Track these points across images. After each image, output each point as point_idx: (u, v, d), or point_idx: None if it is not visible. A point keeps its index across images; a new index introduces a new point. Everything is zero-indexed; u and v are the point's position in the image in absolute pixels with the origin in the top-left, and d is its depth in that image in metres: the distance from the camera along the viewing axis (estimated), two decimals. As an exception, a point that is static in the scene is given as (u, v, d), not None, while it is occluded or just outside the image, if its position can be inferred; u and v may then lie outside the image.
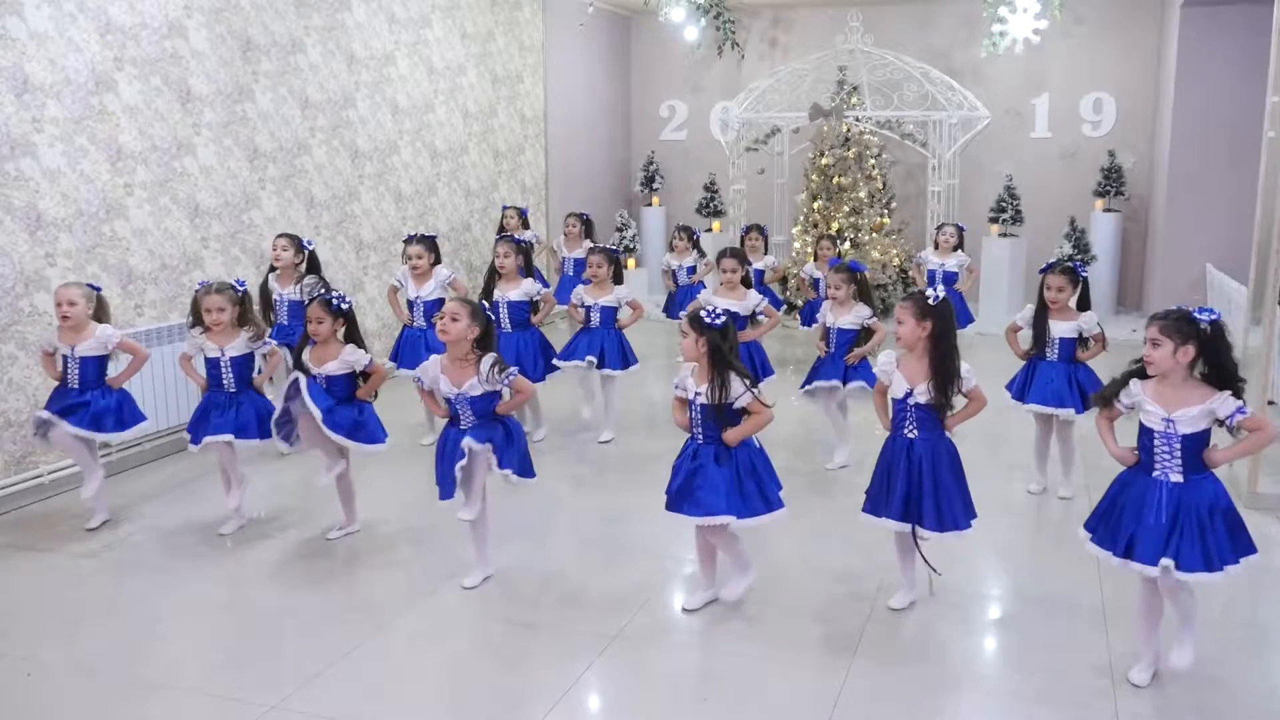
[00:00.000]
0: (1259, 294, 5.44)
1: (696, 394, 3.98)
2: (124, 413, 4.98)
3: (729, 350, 3.92)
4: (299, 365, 4.73)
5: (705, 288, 8.11)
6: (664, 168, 12.37)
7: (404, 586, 4.44)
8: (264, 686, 3.58)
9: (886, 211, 10.33)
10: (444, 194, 9.08)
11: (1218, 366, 3.41)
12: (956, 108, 9.87)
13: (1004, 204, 10.61)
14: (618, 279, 6.45)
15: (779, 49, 11.91)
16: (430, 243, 6.40)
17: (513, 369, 4.23)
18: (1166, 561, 3.34)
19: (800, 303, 8.94)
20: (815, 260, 8.15)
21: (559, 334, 6.72)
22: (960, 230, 8.41)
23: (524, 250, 6.53)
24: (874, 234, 10.17)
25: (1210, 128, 9.29)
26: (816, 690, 3.56)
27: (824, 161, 10.23)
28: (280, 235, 6.20)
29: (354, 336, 4.77)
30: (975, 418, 4.09)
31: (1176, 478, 3.42)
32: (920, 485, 3.92)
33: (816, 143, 10.41)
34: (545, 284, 6.61)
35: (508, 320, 6.26)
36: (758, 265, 8.30)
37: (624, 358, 6.40)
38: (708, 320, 3.89)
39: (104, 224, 5.81)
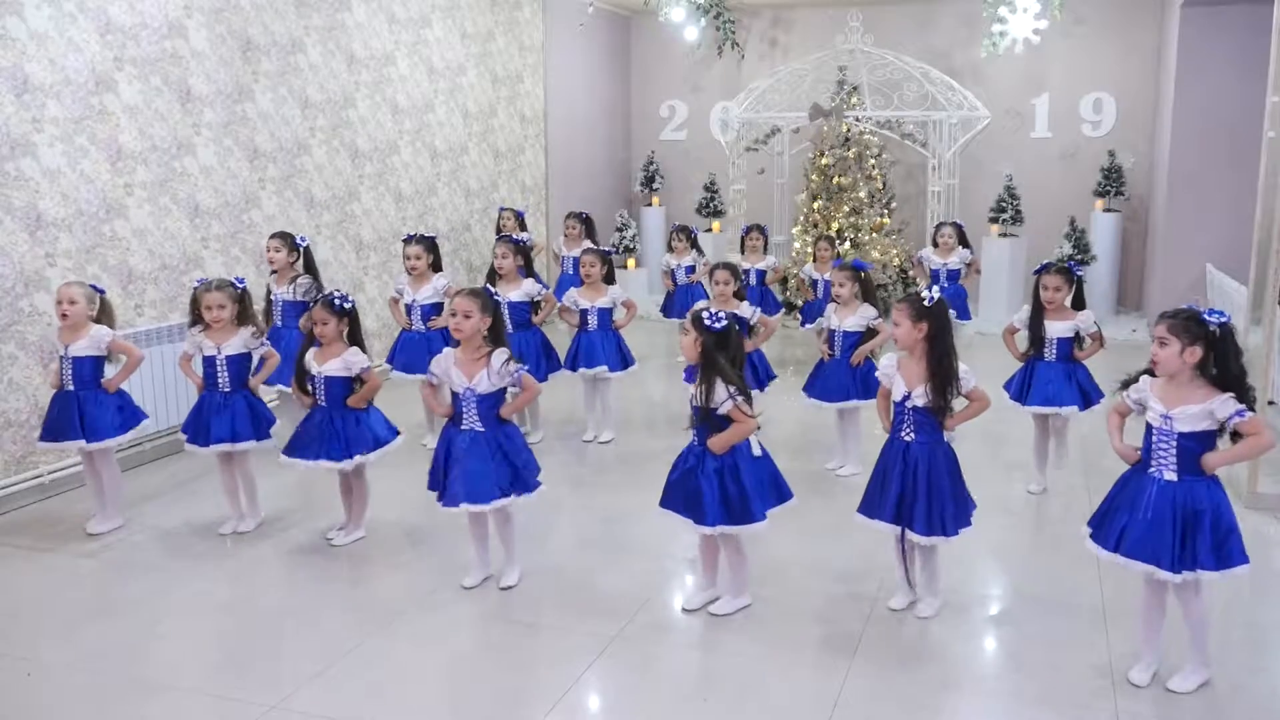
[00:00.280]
0: (1259, 294, 5.44)
1: (692, 395, 3.98)
2: (124, 414, 4.95)
3: (728, 356, 3.88)
4: (300, 368, 4.72)
5: (705, 291, 8.12)
6: (664, 168, 12.37)
7: (404, 586, 4.44)
8: (264, 686, 3.59)
9: (886, 211, 10.33)
10: (444, 194, 9.08)
11: (1224, 369, 3.39)
12: (956, 108, 9.88)
13: (1004, 204, 10.61)
14: (609, 279, 6.45)
15: (779, 49, 11.91)
16: (429, 243, 6.35)
17: (524, 365, 4.25)
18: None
19: (799, 303, 8.94)
20: (815, 261, 8.15)
21: (560, 334, 6.72)
22: (959, 228, 8.41)
23: (523, 250, 6.52)
24: (874, 234, 10.17)
25: (1210, 128, 9.29)
26: (816, 690, 3.56)
27: (824, 161, 10.23)
28: (272, 236, 6.10)
29: (357, 338, 4.76)
30: (975, 418, 4.09)
31: (1170, 476, 3.42)
32: (915, 489, 3.91)
33: (816, 143, 10.41)
34: (544, 284, 6.60)
35: (509, 321, 6.24)
36: (759, 266, 8.31)
37: (621, 359, 6.40)
38: (707, 322, 3.87)
39: (104, 224, 5.81)
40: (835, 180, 10.16)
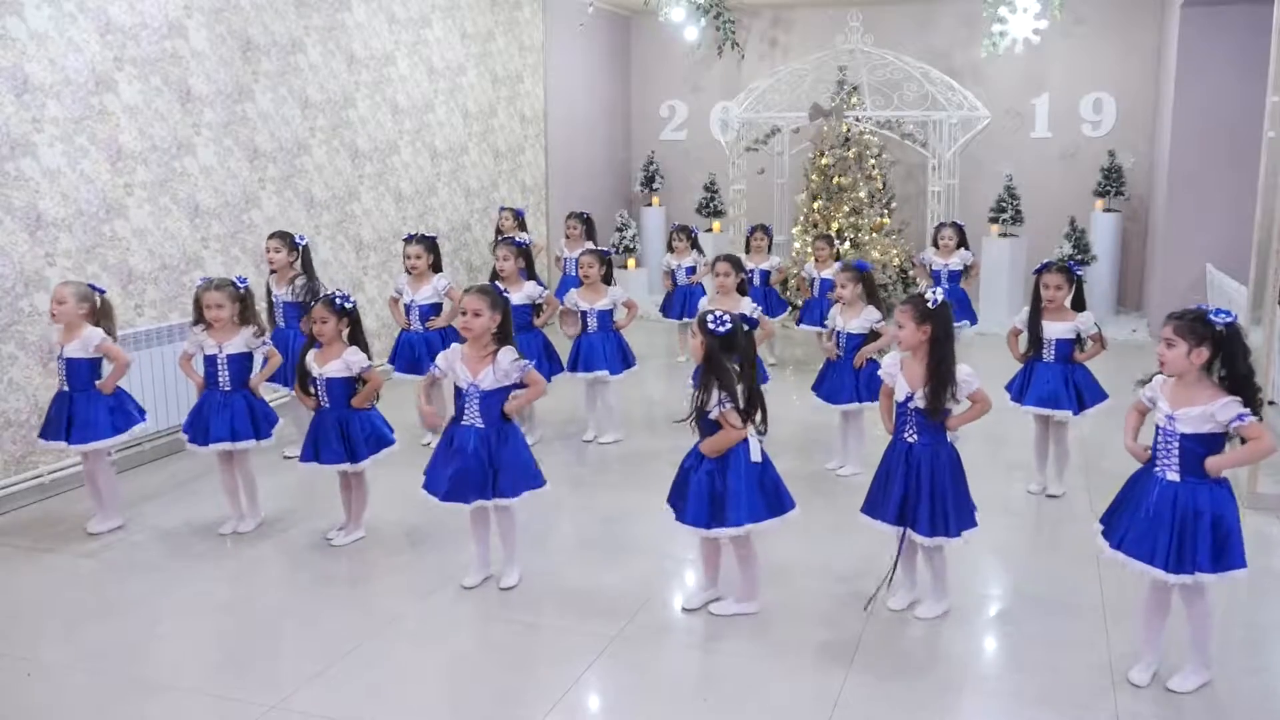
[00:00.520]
0: (1259, 294, 5.44)
1: (692, 395, 3.97)
2: (116, 417, 4.91)
3: (739, 357, 3.85)
4: (303, 369, 4.72)
5: (704, 290, 8.12)
6: (664, 168, 12.37)
7: (404, 586, 4.44)
8: (264, 686, 3.59)
9: (886, 211, 10.32)
10: (444, 194, 9.08)
11: (1232, 370, 3.38)
12: (956, 108, 9.87)
13: (1004, 204, 10.61)
14: (607, 280, 6.45)
15: (779, 49, 11.91)
16: (430, 243, 6.34)
17: (529, 361, 4.25)
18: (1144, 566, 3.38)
19: (799, 302, 8.94)
20: (815, 261, 8.15)
21: (561, 336, 6.71)
22: (959, 229, 8.40)
23: (525, 252, 6.51)
24: (874, 234, 10.16)
25: (1210, 128, 9.28)
26: (817, 690, 3.57)
27: (824, 161, 10.23)
28: (271, 236, 6.06)
29: (358, 338, 4.76)
30: (976, 420, 4.09)
31: (1173, 476, 3.43)
32: (917, 490, 3.92)
33: (816, 143, 10.41)
34: (544, 286, 6.59)
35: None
36: (763, 266, 8.31)
37: (622, 360, 6.40)
38: (711, 325, 3.86)
39: (104, 224, 5.81)
40: (835, 180, 10.15)
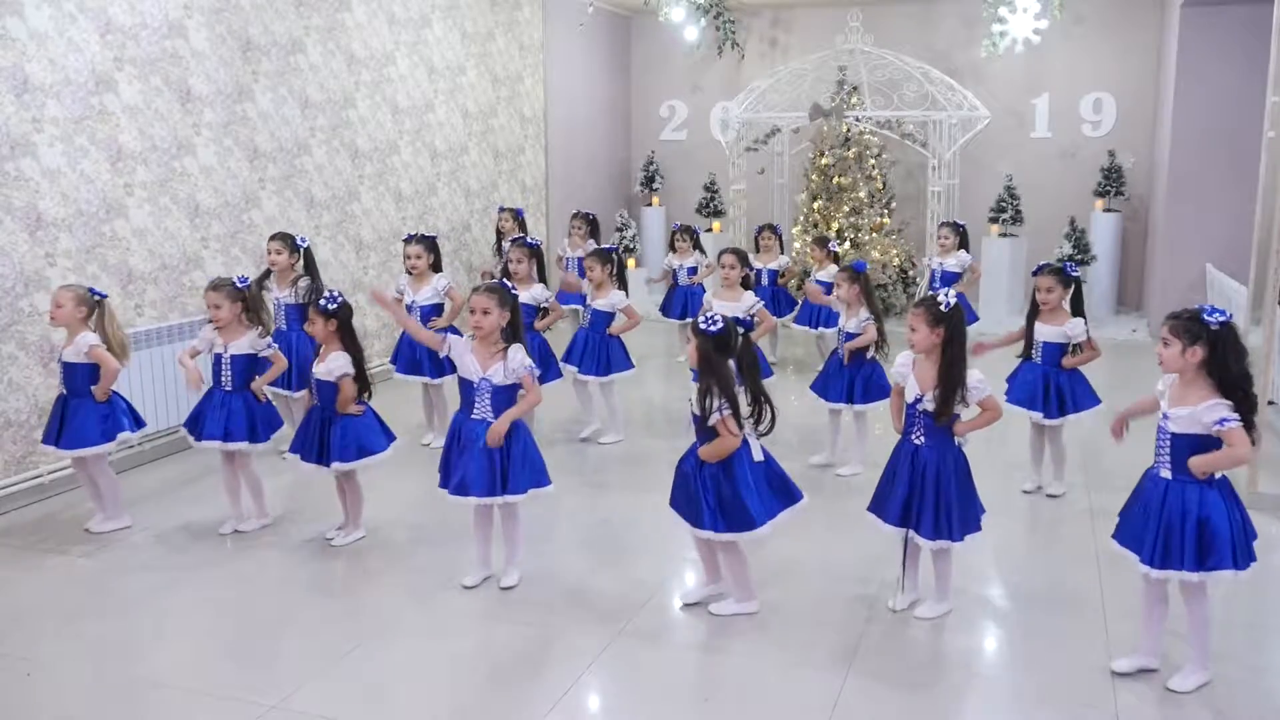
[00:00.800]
0: (1259, 294, 5.44)
1: (690, 399, 3.96)
2: (107, 424, 4.87)
3: (738, 359, 3.84)
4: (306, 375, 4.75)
5: (705, 290, 8.11)
6: (664, 168, 12.37)
7: (404, 586, 4.44)
8: (264, 686, 3.59)
9: (886, 211, 10.33)
10: (444, 194, 9.08)
11: (1223, 370, 3.38)
12: (956, 108, 9.87)
13: (1004, 204, 10.61)
14: (620, 279, 6.42)
15: (779, 49, 11.91)
16: (430, 243, 6.32)
17: (537, 370, 4.30)
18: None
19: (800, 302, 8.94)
20: (813, 263, 8.15)
21: (562, 336, 6.71)
22: (958, 229, 8.35)
23: (537, 254, 6.50)
24: (874, 234, 10.17)
25: (1210, 128, 9.28)
26: (817, 690, 3.56)
27: (824, 161, 10.23)
28: (273, 237, 6.05)
29: (346, 340, 4.71)
30: (985, 428, 4.08)
31: (1166, 474, 3.49)
32: (922, 492, 3.92)
33: (816, 143, 10.41)
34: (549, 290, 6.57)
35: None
36: (771, 266, 8.30)
37: (608, 364, 6.34)
38: (702, 326, 3.84)
39: (104, 224, 5.81)
40: (835, 180, 10.16)
